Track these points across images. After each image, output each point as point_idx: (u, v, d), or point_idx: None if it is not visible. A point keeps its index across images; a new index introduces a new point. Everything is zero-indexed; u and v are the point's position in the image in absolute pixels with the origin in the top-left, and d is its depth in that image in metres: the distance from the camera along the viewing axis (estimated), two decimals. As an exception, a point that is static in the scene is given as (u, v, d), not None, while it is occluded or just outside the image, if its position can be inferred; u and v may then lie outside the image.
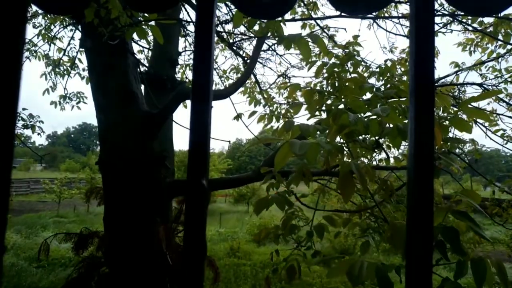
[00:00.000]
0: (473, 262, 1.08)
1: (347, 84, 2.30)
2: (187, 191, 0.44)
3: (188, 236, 0.44)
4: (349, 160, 1.41)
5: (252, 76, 7.37)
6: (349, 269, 1.18)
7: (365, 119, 1.35)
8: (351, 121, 1.24)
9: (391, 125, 1.70)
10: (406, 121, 1.57)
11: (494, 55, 4.62)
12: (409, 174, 0.55)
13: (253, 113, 3.92)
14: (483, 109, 4.37)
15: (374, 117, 1.59)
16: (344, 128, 1.39)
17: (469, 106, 1.71)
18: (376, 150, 1.85)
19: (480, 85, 4.11)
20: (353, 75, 2.55)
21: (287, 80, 7.60)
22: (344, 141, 1.65)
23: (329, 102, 2.31)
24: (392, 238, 1.22)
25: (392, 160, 3.52)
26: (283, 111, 5.88)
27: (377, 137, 1.54)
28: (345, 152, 1.94)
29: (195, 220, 0.43)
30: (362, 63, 3.49)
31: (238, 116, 5.76)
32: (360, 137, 1.73)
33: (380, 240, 2.48)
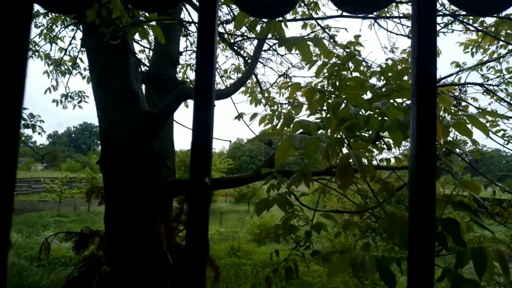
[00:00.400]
0: (474, 251, 1.09)
1: (348, 83, 2.30)
2: (190, 189, 0.44)
3: (190, 234, 0.44)
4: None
5: (253, 76, 7.38)
6: (352, 260, 1.18)
7: (366, 114, 1.35)
8: (351, 114, 1.24)
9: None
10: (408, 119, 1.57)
11: (495, 55, 4.62)
12: (411, 174, 0.55)
13: (255, 115, 3.92)
14: (484, 108, 4.36)
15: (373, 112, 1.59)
16: (345, 122, 1.39)
17: (471, 108, 1.71)
18: (376, 143, 1.84)
19: (481, 85, 4.11)
20: (354, 74, 2.56)
21: (288, 80, 7.60)
22: (344, 136, 1.65)
23: (330, 101, 2.31)
24: (391, 229, 1.22)
25: (393, 160, 3.53)
26: (284, 111, 5.89)
27: (377, 131, 1.54)
28: (345, 149, 1.94)
29: (198, 218, 0.44)
30: (363, 63, 3.49)
31: (239, 116, 5.76)
32: (362, 133, 1.73)
33: (379, 239, 2.48)
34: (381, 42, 8.45)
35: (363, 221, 2.86)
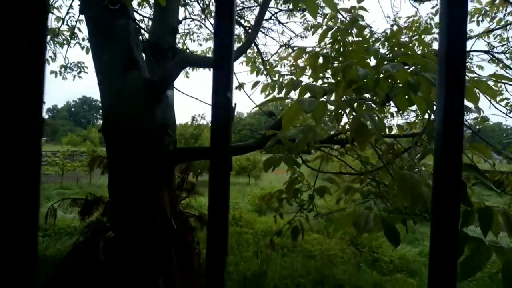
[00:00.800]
0: (480, 210, 1.11)
1: (352, 47, 2.26)
2: (212, 105, 0.44)
3: (214, 147, 0.44)
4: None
5: (254, 46, 7.26)
6: (356, 220, 1.20)
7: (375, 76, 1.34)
8: (360, 76, 1.23)
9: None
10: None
11: (503, 23, 4.52)
12: (437, 142, 0.53)
13: (256, 83, 3.87)
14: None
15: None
16: (353, 84, 1.37)
17: (475, 75, 1.69)
18: (385, 106, 1.83)
19: (487, 52, 4.04)
20: (357, 39, 2.50)
21: (290, 50, 7.49)
22: (351, 97, 1.63)
23: (334, 66, 2.27)
24: (401, 188, 1.24)
25: (395, 129, 3.52)
26: (285, 81, 5.82)
27: (386, 93, 1.52)
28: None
29: (221, 132, 0.43)
30: (367, 29, 3.41)
31: (240, 86, 5.69)
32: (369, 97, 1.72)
33: (383, 207, 2.51)
34: (384, 12, 8.22)
35: (364, 186, 2.89)
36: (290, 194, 2.25)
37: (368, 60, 2.19)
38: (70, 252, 3.51)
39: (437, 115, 0.54)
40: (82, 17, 5.55)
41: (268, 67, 7.06)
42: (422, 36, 3.51)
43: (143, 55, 4.04)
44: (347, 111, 1.85)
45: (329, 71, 2.41)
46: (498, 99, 4.18)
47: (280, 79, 6.23)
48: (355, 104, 1.87)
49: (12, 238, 0.40)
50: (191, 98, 3.99)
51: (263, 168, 1.80)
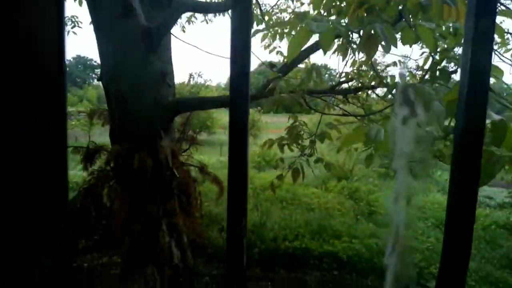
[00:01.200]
0: (493, 123, 1.08)
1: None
2: (231, 48, 0.43)
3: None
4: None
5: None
6: (368, 133, 1.20)
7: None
8: (373, -7, 1.18)
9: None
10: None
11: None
12: (461, 91, 0.53)
13: (256, 32, 3.76)
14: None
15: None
16: (364, 4, 1.32)
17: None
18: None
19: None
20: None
21: (290, 2, 7.20)
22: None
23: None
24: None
25: (397, 77, 3.47)
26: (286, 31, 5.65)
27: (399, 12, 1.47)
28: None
29: (241, 74, 0.43)
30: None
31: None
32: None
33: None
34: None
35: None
36: (291, 139, 2.25)
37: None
38: (75, 197, 3.57)
39: (462, 68, 0.54)
40: (73, -37, 5.29)
41: (266, 19, 6.83)
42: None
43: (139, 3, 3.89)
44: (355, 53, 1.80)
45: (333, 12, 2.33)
46: (502, 50, 4.09)
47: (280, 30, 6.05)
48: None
49: (12, 238, 0.40)
50: (186, 57, 3.92)
51: (263, 110, 1.78)
